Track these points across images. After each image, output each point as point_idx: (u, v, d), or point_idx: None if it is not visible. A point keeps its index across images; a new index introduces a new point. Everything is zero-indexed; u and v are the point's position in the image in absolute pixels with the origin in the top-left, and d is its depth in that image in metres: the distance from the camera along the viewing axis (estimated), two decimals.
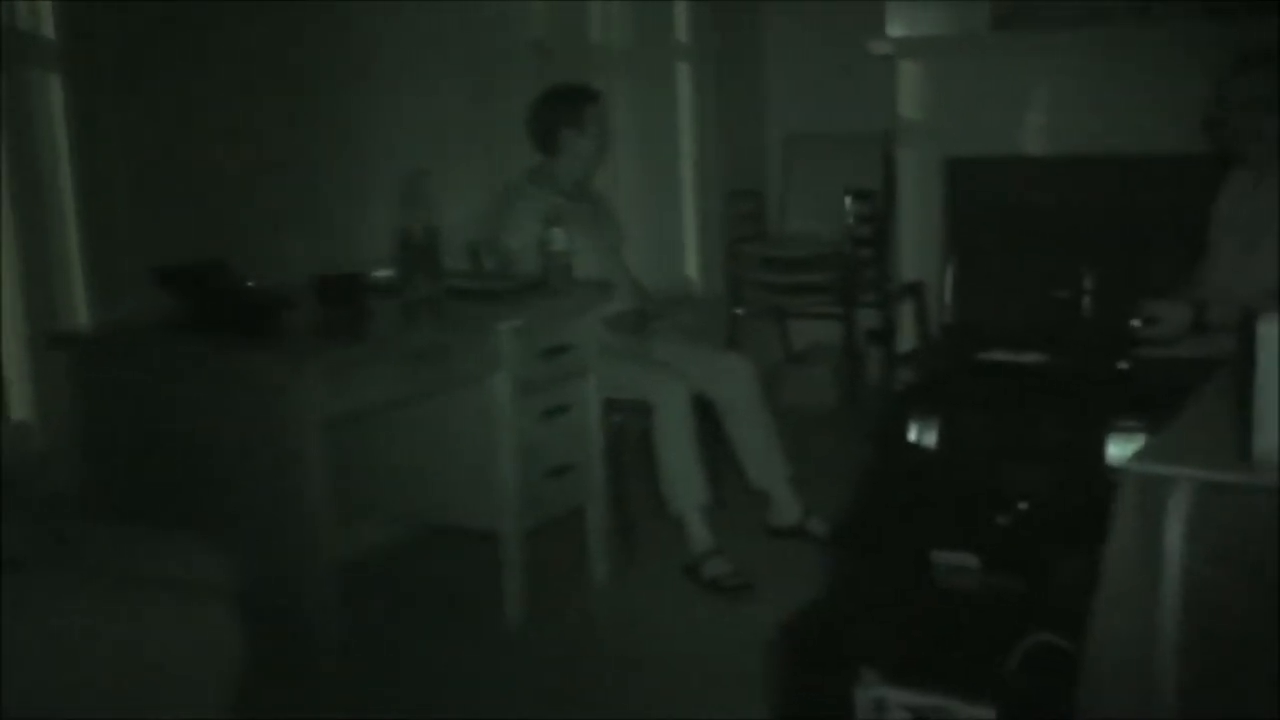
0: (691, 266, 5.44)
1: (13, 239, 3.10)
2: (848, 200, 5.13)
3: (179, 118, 3.38)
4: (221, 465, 2.91)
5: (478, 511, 3.40)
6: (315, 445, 2.82)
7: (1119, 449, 2.60)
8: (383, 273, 3.46)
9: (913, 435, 2.90)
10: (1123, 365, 3.05)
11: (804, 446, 4.26)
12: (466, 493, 3.41)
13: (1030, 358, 3.10)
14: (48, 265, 3.16)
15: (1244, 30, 4.03)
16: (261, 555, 2.67)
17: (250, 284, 3.10)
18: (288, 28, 3.63)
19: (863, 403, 5.22)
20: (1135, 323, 3.14)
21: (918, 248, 5.08)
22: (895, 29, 5.02)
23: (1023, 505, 2.72)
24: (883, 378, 5.16)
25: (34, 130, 3.13)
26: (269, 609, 2.45)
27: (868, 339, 5.31)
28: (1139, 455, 2.02)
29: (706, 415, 3.90)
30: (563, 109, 3.92)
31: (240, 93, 3.52)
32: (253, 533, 2.81)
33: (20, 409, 3.16)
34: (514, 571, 3.38)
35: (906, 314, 4.89)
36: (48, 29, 3.12)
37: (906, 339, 4.90)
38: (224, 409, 2.88)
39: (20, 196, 3.10)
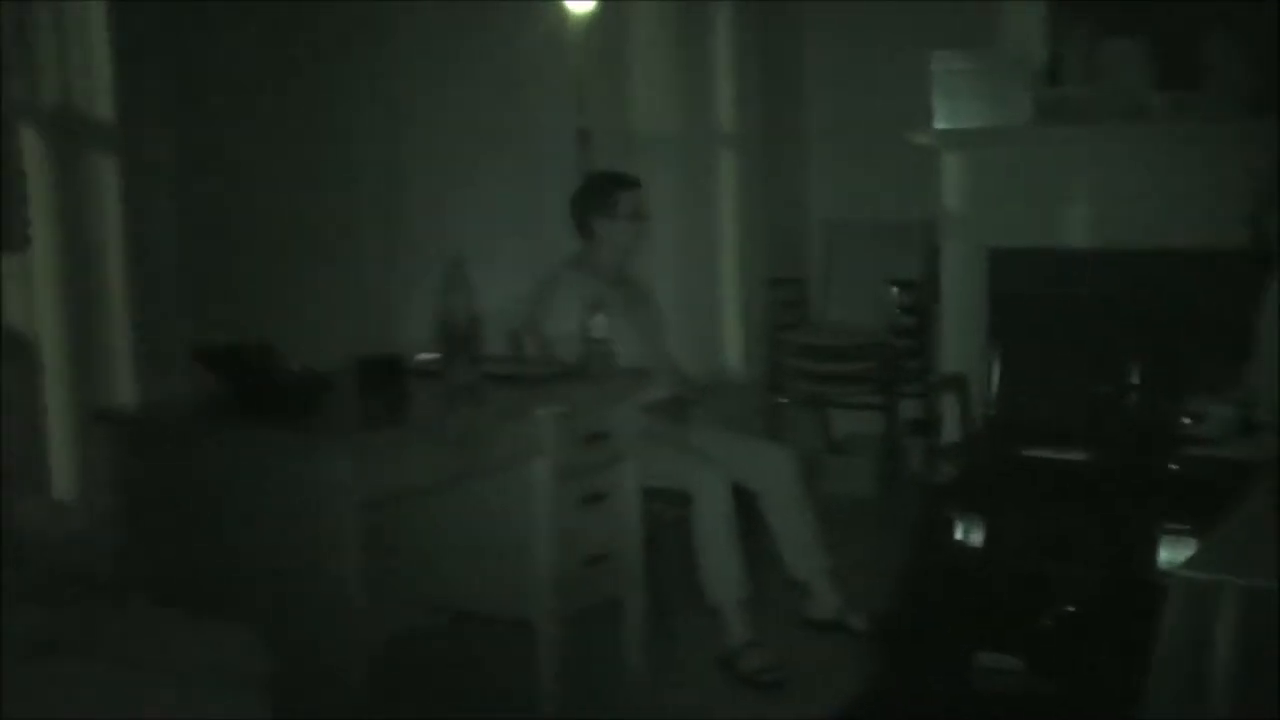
0: (732, 354, 5.43)
1: (61, 317, 3.13)
2: (891, 290, 5.12)
3: (226, 201, 3.42)
4: (258, 547, 2.90)
5: (513, 599, 3.36)
6: (352, 528, 2.80)
7: (1169, 553, 2.55)
8: (423, 356, 3.47)
9: (955, 532, 2.86)
10: (1172, 466, 3.00)
11: (843, 538, 4.21)
12: (502, 579, 3.37)
13: (1075, 455, 3.06)
14: (95, 344, 3.18)
15: None
16: (295, 638, 2.65)
17: (292, 366, 3.10)
18: (335, 113, 3.69)
19: (903, 494, 5.16)
20: (1184, 421, 3.09)
21: (960, 339, 5.06)
22: (940, 121, 5.04)
23: (1068, 607, 2.67)
24: (924, 470, 5.11)
25: (87, 209, 3.17)
26: (301, 692, 2.43)
27: (909, 430, 5.27)
28: (1189, 562, 1.98)
29: (746, 505, 3.86)
30: (596, 197, 3.96)
31: (286, 177, 3.57)
32: (287, 615, 2.79)
33: (62, 488, 3.17)
34: (548, 660, 3.34)
35: (948, 405, 4.85)
36: (105, 110, 3.17)
37: (948, 431, 4.86)
38: (262, 490, 2.88)
39: (71, 275, 3.14)
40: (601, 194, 3.94)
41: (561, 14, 4.40)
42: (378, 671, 2.95)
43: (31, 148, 3.10)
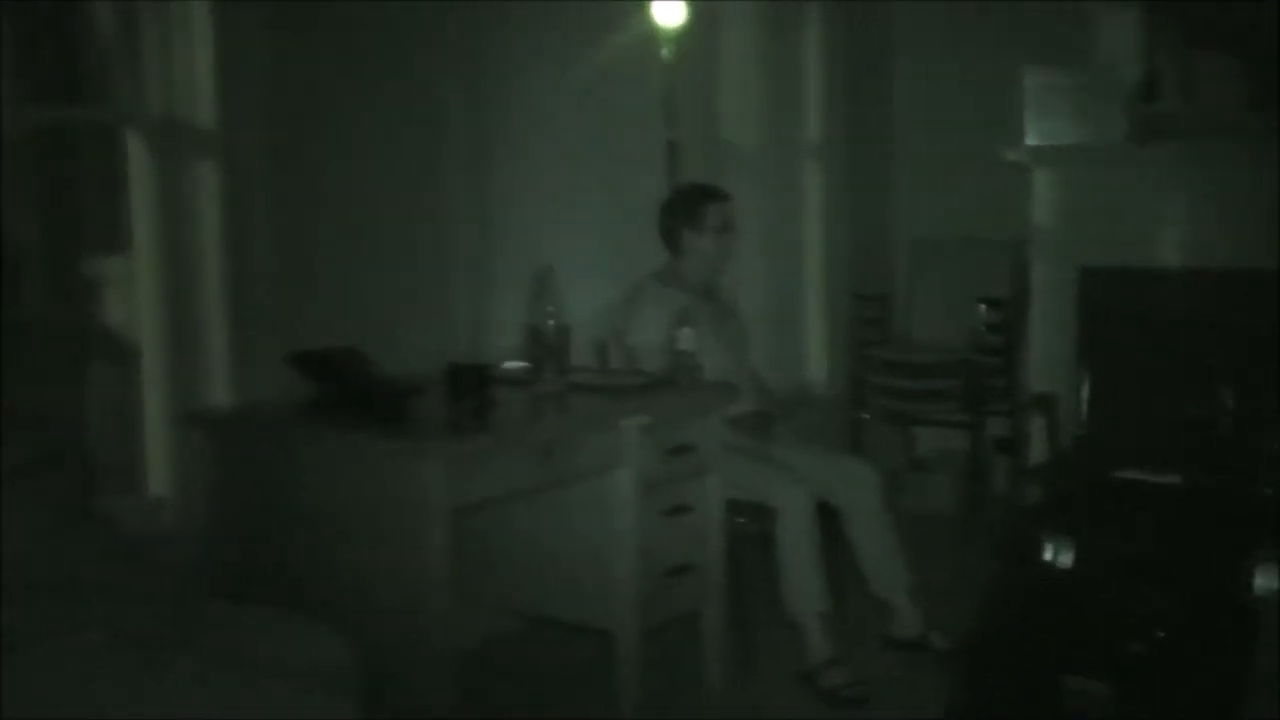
0: (815, 368, 5.41)
1: (160, 319, 3.20)
2: (978, 307, 5.07)
3: (319, 207, 3.48)
4: (346, 549, 2.94)
5: (594, 608, 3.38)
6: (440, 534, 2.82)
7: (1263, 578, 2.50)
8: (510, 365, 3.50)
9: (1045, 553, 2.82)
10: (1267, 490, 2.95)
11: (925, 556, 4.17)
12: (583, 588, 3.39)
13: (1167, 478, 3.01)
14: (191, 345, 3.25)
15: None
16: (380, 641, 2.67)
17: (382, 371, 3.14)
18: (427, 122, 3.74)
19: (987, 513, 5.11)
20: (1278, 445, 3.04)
21: (1049, 358, 5.01)
22: (1032, 137, 4.99)
23: (1159, 633, 2.62)
24: (1009, 489, 5.06)
25: (188, 214, 3.24)
26: (385, 696, 2.45)
27: (994, 449, 5.21)
28: None
29: (828, 520, 3.84)
30: (684, 209, 3.96)
31: (379, 183, 3.62)
32: (373, 618, 2.82)
33: (157, 485, 3.24)
34: (628, 670, 3.35)
35: (1035, 425, 4.79)
36: (206, 117, 3.24)
37: (1035, 451, 4.80)
38: (351, 494, 2.92)
39: (170, 278, 3.20)
40: (690, 206, 3.95)
41: (651, 26, 4.41)
42: (461, 676, 2.98)
43: (135, 153, 3.19)
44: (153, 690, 1.97)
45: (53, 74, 3.01)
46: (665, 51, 4.49)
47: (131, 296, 3.22)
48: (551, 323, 3.32)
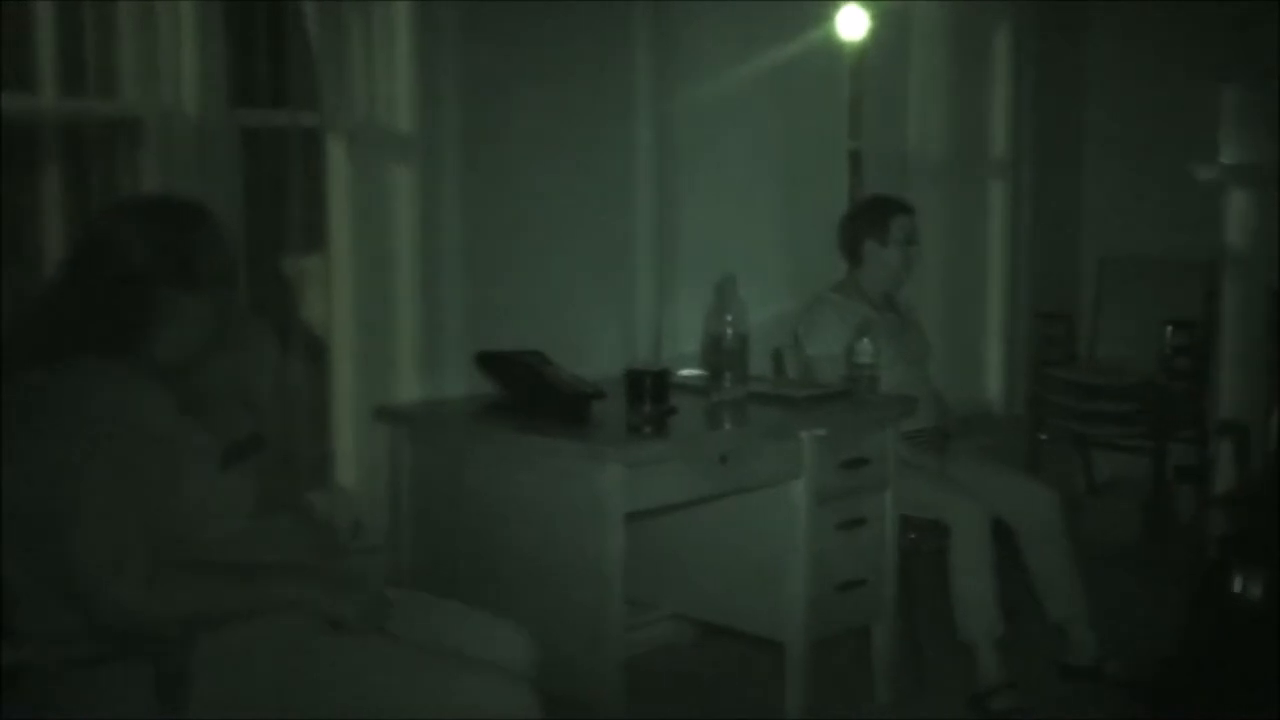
0: (993, 386, 5.31)
1: (353, 316, 3.31)
2: (1166, 329, 4.92)
3: (509, 209, 3.56)
4: (523, 547, 3.01)
5: (765, 618, 3.38)
6: (617, 537, 2.86)
7: None
8: (689, 372, 3.53)
9: (1234, 585, 2.73)
10: None
11: (1103, 583, 4.07)
12: (754, 597, 3.39)
13: None
14: (382, 342, 3.35)
15: None
16: (553, 639, 2.71)
17: (565, 374, 3.20)
18: (613, 128, 3.79)
19: (1168, 542, 4.95)
20: None
21: (1240, 383, 4.84)
22: (1227, 155, 4.83)
23: None
24: (1194, 518, 4.89)
25: (383, 215, 3.34)
26: (556, 694, 2.49)
27: (1178, 476, 5.05)
28: None
29: (1004, 541, 3.77)
30: (867, 221, 3.93)
31: (566, 185, 3.69)
32: (547, 616, 2.87)
33: (345, 477, 3.35)
34: (796, 682, 3.34)
35: (1224, 452, 4.63)
36: (404, 121, 3.34)
37: (1223, 478, 4.64)
38: (530, 493, 2.98)
39: (364, 277, 3.31)
40: (875, 218, 3.92)
41: (836, 37, 4.39)
42: (631, 678, 3.01)
43: (335, 156, 3.30)
44: (365, 676, 2.04)
45: (258, 77, 3.13)
46: (849, 61, 4.47)
47: (327, 294, 3.33)
48: (731, 332, 3.33)
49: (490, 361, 3.26)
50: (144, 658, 2.00)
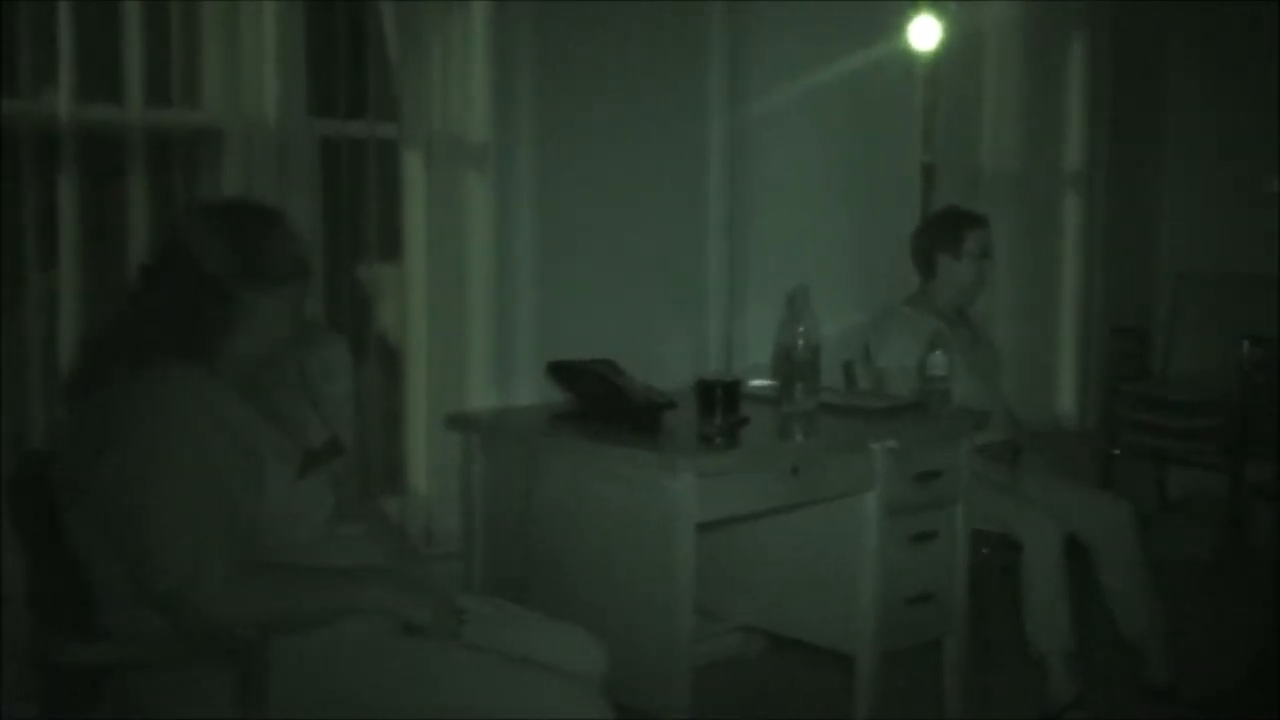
0: (1066, 401, 5.25)
1: (427, 324, 3.34)
2: (1243, 345, 4.84)
3: (582, 218, 3.58)
4: (593, 556, 3.01)
5: (835, 630, 3.36)
6: (688, 547, 2.86)
7: None
8: (760, 382, 3.52)
9: None
10: None
11: (1178, 601, 4.01)
12: (824, 609, 3.38)
13: None
14: (455, 350, 3.38)
15: None
16: (622, 648, 2.72)
17: (636, 384, 3.20)
18: (689, 133, 3.81)
19: (1244, 561, 4.87)
20: None
21: None
22: None
23: None
24: (1271, 538, 4.81)
25: (459, 226, 3.37)
26: (625, 705, 2.49)
27: (1254, 494, 4.96)
28: None
29: (1076, 557, 3.73)
30: (942, 233, 3.91)
31: (637, 196, 3.70)
32: (616, 624, 2.87)
33: (417, 483, 3.38)
34: (865, 695, 3.31)
35: None
36: (480, 132, 3.37)
37: None
38: (601, 502, 2.99)
39: (438, 287, 3.34)
40: (949, 230, 3.89)
41: (909, 47, 4.37)
42: (699, 688, 3.01)
43: (411, 166, 3.34)
44: (442, 681, 2.06)
45: (337, 86, 3.18)
46: (923, 72, 4.45)
47: (402, 303, 3.37)
48: (803, 343, 3.33)
49: (562, 370, 3.28)
50: (225, 659, 2.03)
